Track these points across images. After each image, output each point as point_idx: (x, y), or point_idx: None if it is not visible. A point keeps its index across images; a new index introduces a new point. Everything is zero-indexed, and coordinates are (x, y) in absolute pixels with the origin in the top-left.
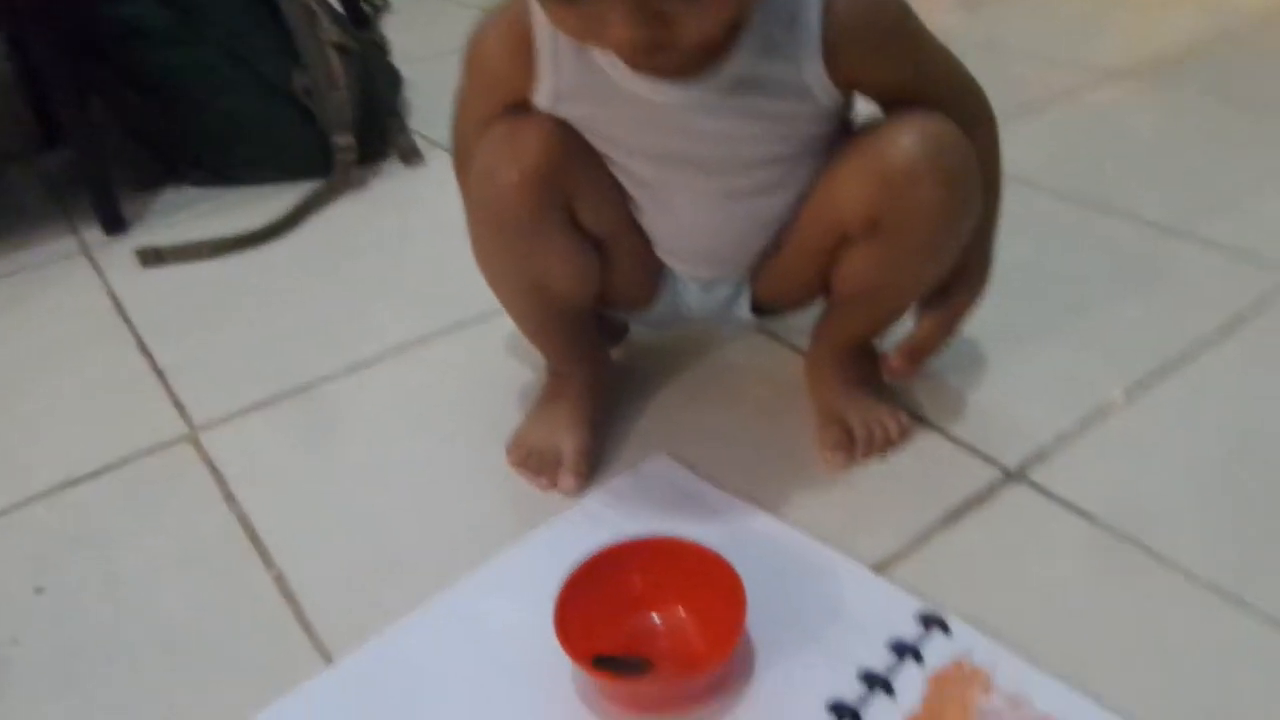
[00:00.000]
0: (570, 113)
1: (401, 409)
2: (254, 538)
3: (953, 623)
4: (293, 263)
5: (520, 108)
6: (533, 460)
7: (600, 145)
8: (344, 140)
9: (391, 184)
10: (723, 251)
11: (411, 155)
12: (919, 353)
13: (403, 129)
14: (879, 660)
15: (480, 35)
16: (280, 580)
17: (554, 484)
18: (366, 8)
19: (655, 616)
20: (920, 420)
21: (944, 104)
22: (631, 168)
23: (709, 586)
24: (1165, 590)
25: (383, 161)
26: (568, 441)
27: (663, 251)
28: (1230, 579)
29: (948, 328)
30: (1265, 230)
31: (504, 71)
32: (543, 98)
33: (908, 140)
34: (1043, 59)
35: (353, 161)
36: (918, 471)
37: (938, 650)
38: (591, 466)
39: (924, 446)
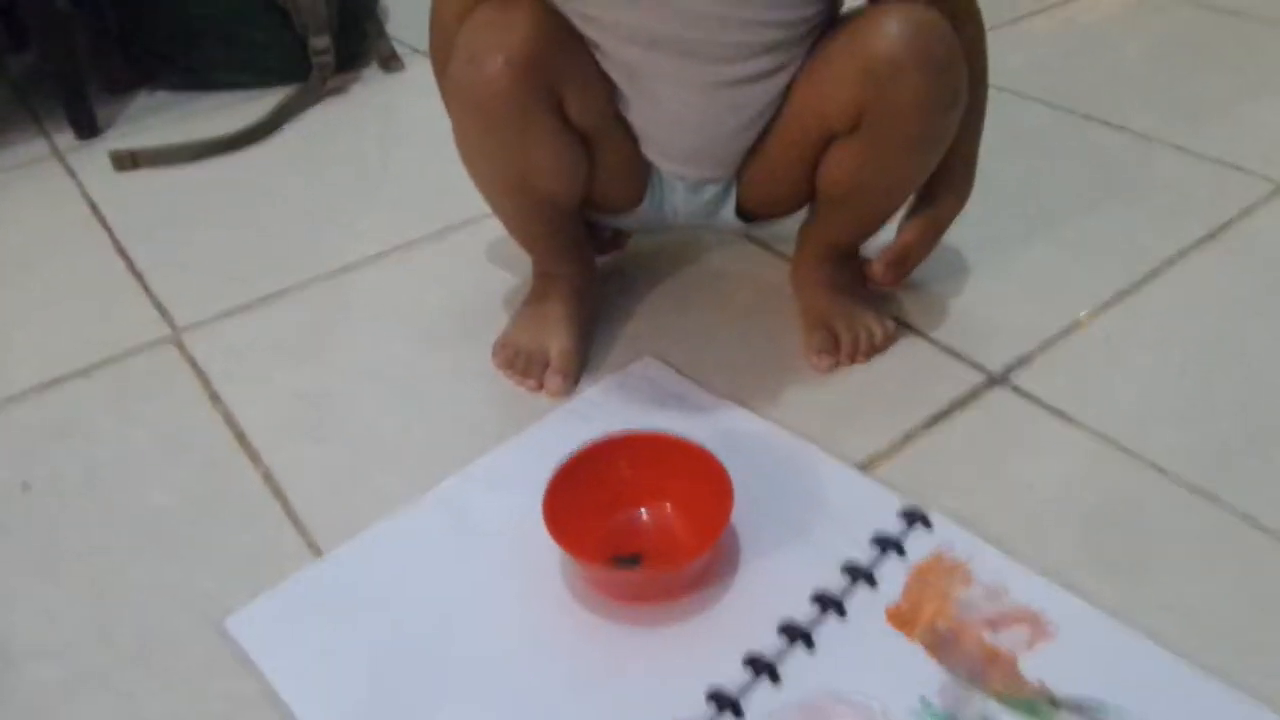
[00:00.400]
0: None
1: (387, 312)
2: (240, 436)
3: (934, 518)
4: (272, 168)
5: None
6: (520, 361)
7: (587, 30)
8: (321, 43)
9: (371, 90)
10: (709, 147)
11: (391, 61)
12: (904, 260)
13: (381, 34)
14: (862, 553)
15: None
16: (268, 477)
17: (541, 385)
18: None
19: (643, 511)
20: (905, 326)
21: None
22: (619, 54)
23: (696, 481)
24: (1141, 487)
25: (362, 68)
26: (555, 342)
27: (649, 149)
28: (1205, 476)
29: (933, 233)
30: (1250, 140)
31: None
32: None
33: (892, 27)
34: None
35: (330, 65)
36: (902, 375)
37: (919, 544)
38: (579, 368)
39: (908, 351)
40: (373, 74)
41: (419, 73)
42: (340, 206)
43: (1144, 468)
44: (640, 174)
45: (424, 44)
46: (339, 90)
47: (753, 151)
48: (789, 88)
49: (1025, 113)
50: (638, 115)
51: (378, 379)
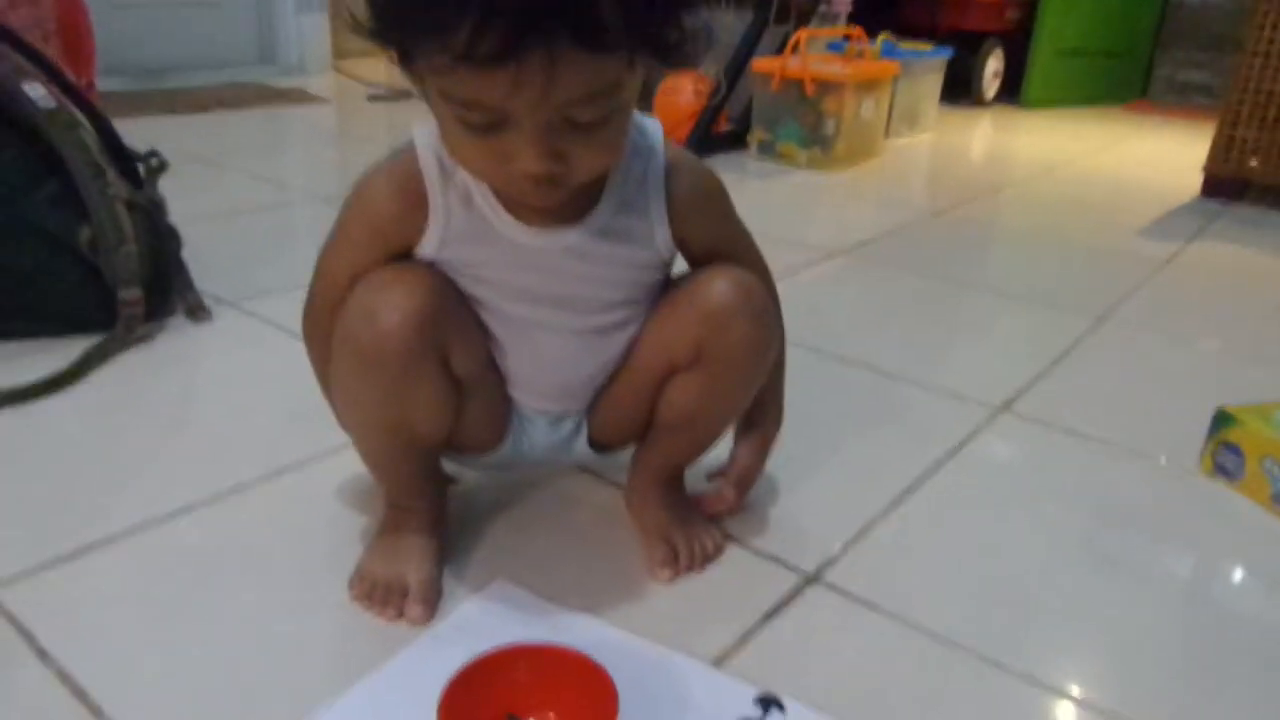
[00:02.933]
0: (454, 256)
1: (223, 555)
2: (79, 692)
3: (786, 701)
4: (79, 417)
5: (398, 257)
6: (378, 592)
7: (475, 289)
8: (131, 294)
9: (179, 340)
10: (574, 385)
11: (199, 311)
12: (746, 481)
13: (189, 285)
14: None
15: (371, 186)
16: None
17: (401, 614)
18: (142, 167)
19: None
20: (729, 537)
21: (744, 265)
22: (504, 308)
23: (579, 688)
24: (937, 659)
25: (167, 317)
26: (413, 572)
27: (518, 389)
28: (977, 642)
29: (764, 452)
30: (965, 376)
31: (395, 220)
32: (430, 243)
33: (723, 285)
34: (772, 240)
35: (139, 316)
36: (733, 580)
37: None
38: (438, 595)
39: (735, 559)
40: (179, 324)
41: (228, 323)
42: (158, 453)
43: (941, 643)
44: (504, 416)
45: (231, 294)
46: (145, 340)
47: (604, 389)
48: (638, 335)
49: (798, 357)
50: (514, 361)
51: (226, 620)
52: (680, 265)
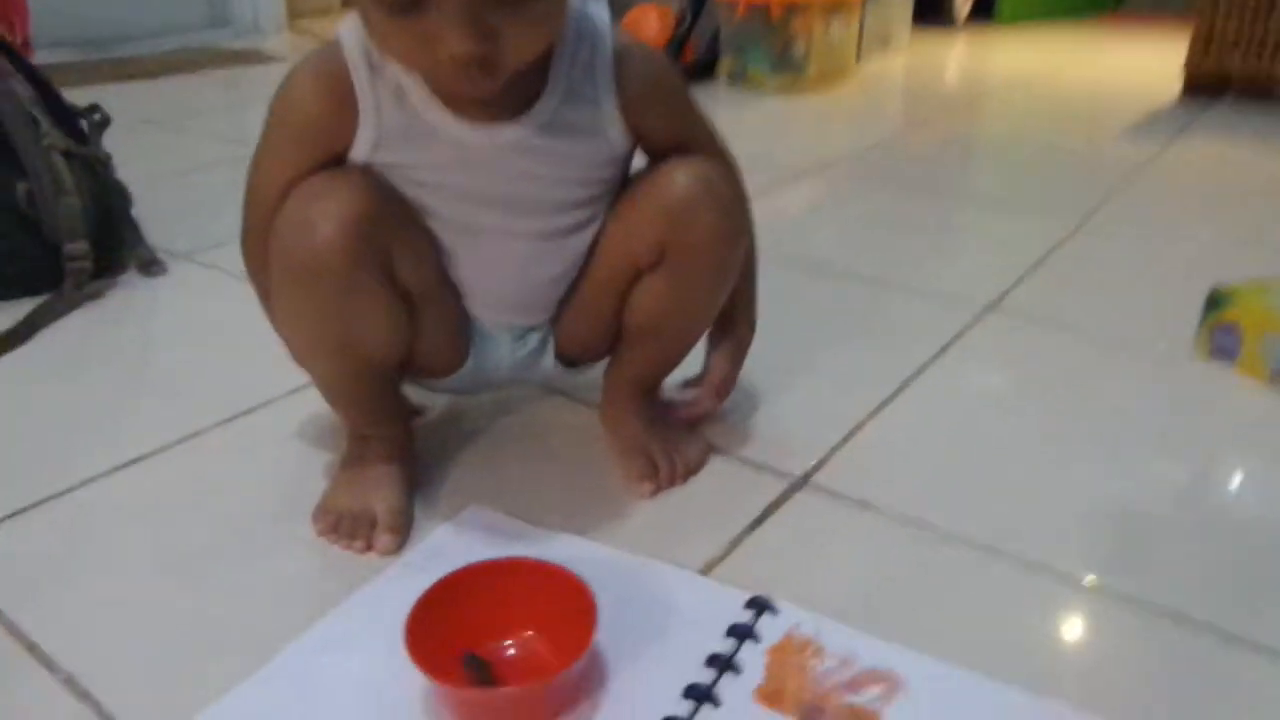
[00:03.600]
0: (390, 159)
1: (182, 502)
2: (30, 646)
3: (779, 604)
4: (30, 375)
5: (331, 163)
6: (344, 524)
7: (417, 194)
8: (77, 249)
9: (132, 294)
10: (533, 294)
11: (151, 265)
12: (722, 387)
13: (140, 240)
14: (721, 645)
15: (294, 85)
16: (70, 682)
17: (370, 545)
18: (84, 123)
19: (508, 642)
20: (713, 448)
21: (708, 155)
22: (449, 214)
23: (557, 602)
24: (928, 550)
25: (119, 274)
26: (380, 501)
27: (475, 303)
28: (977, 533)
29: (740, 357)
30: (949, 280)
31: (322, 120)
32: (362, 146)
33: (684, 176)
34: (746, 162)
35: (88, 271)
36: (718, 489)
37: (770, 629)
38: (408, 524)
39: (718, 468)
40: (131, 279)
41: (183, 275)
42: (114, 406)
43: (937, 536)
44: (464, 334)
45: (186, 248)
46: (96, 296)
47: (568, 298)
48: (598, 236)
49: (769, 272)
50: (466, 270)
51: (187, 564)
52: (640, 159)
